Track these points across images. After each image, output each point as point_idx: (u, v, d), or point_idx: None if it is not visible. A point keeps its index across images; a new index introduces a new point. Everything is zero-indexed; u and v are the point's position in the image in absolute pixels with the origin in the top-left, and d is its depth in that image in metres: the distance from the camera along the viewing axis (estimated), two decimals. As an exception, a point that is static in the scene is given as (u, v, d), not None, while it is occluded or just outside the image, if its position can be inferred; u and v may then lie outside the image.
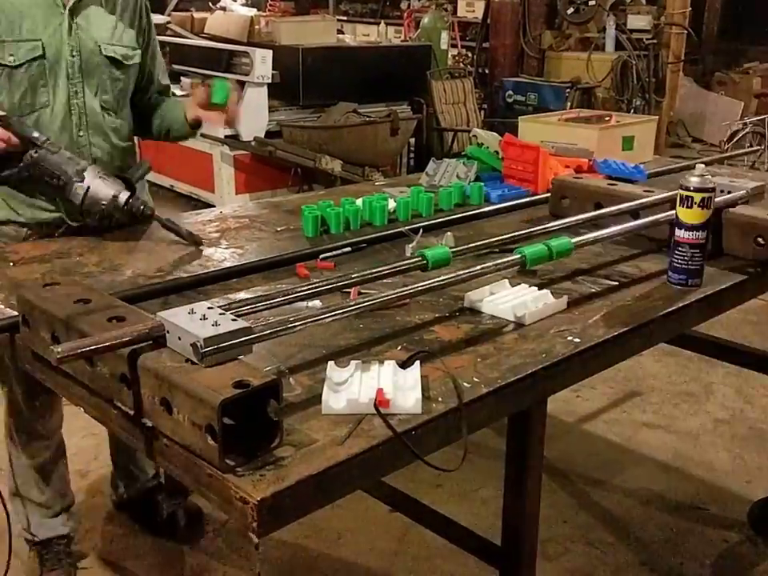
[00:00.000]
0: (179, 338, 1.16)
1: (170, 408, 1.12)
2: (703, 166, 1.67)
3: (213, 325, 1.15)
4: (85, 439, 3.00)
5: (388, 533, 2.55)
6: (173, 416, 1.11)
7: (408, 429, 1.17)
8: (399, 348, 1.41)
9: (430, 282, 1.48)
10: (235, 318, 1.19)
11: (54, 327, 1.31)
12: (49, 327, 1.32)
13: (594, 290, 1.69)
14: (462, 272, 1.51)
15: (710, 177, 1.66)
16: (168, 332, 1.17)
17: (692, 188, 1.64)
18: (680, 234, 1.67)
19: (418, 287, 1.46)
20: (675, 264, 1.69)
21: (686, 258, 1.67)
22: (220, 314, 1.19)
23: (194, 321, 1.16)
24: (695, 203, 1.64)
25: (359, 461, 1.11)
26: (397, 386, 1.24)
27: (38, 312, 1.34)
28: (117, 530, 2.56)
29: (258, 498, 1.01)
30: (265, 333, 1.22)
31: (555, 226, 1.82)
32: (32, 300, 1.36)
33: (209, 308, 1.21)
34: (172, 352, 1.17)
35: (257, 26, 6.31)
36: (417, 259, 1.54)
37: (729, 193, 1.94)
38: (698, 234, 1.65)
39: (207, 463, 1.08)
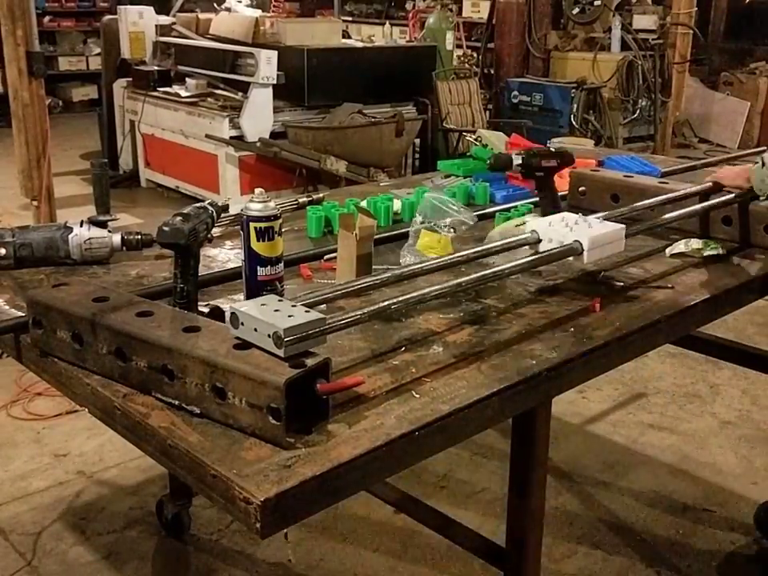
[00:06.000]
0: (255, 329, 1.18)
1: (222, 393, 1.15)
2: (261, 190, 1.46)
3: (289, 316, 1.19)
4: (89, 440, 3.01)
5: (392, 534, 2.55)
6: (226, 401, 1.14)
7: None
8: (403, 349, 1.41)
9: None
10: (308, 309, 1.23)
11: (75, 326, 1.31)
12: (69, 327, 1.32)
13: (599, 292, 1.68)
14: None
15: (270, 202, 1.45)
16: (243, 323, 1.20)
17: (263, 217, 1.43)
18: (264, 271, 1.45)
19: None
20: None
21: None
22: (292, 305, 1.23)
23: (270, 312, 1.20)
24: (276, 233, 1.45)
25: (363, 462, 1.11)
26: None
27: (55, 313, 1.34)
28: (121, 531, 2.56)
29: (262, 499, 1.01)
30: (338, 322, 1.25)
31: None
32: (47, 301, 1.36)
33: (279, 301, 1.25)
34: (208, 339, 1.21)
35: (262, 27, 6.30)
36: None
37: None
38: (280, 266, 1.48)
39: (267, 442, 1.12)
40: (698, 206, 1.96)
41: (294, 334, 1.15)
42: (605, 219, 1.75)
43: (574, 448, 3.07)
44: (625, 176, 2.21)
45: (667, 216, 1.91)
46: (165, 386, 1.22)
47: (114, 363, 1.28)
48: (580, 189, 2.20)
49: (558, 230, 1.62)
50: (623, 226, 1.69)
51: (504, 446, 1.61)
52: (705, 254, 1.89)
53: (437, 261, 1.55)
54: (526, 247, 1.66)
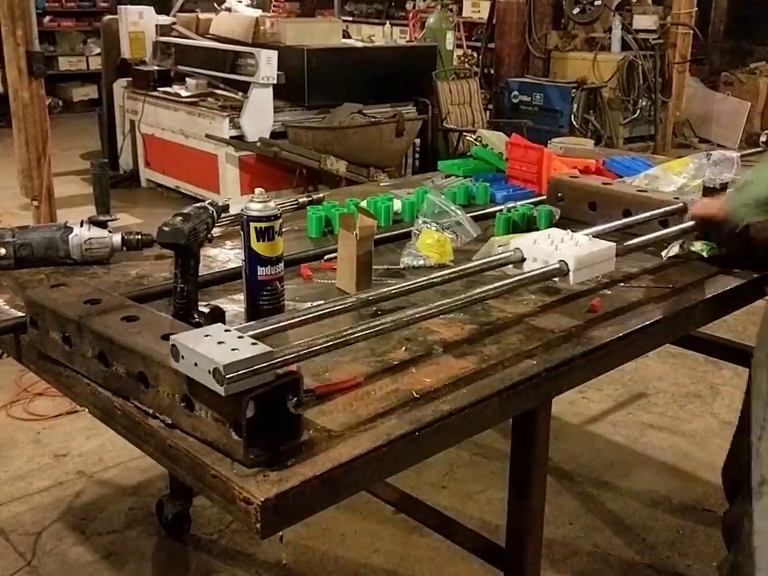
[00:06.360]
0: (195, 364, 1.09)
1: (191, 405, 1.12)
2: (261, 190, 1.49)
3: (233, 350, 1.09)
4: (89, 440, 3.01)
5: (392, 534, 2.55)
6: (194, 412, 1.12)
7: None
8: (403, 349, 1.41)
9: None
10: (255, 342, 1.12)
11: (65, 328, 1.31)
12: (60, 328, 1.32)
13: (599, 292, 1.68)
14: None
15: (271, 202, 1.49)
16: (183, 357, 1.11)
17: (263, 217, 1.46)
18: (264, 271, 1.47)
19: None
20: (266, 307, 1.48)
21: (275, 295, 1.49)
22: (238, 337, 1.13)
23: (212, 345, 1.10)
24: (276, 233, 1.47)
25: (363, 462, 1.11)
26: None
27: (48, 313, 1.34)
28: (121, 531, 2.56)
29: (262, 499, 1.01)
30: (287, 357, 1.14)
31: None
32: (41, 301, 1.36)
33: (226, 331, 1.15)
34: None
35: (262, 27, 6.30)
36: None
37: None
38: (280, 266, 1.49)
39: (231, 458, 1.08)
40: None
41: (237, 370, 1.04)
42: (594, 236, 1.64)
43: (574, 448, 3.06)
44: (603, 183, 2.18)
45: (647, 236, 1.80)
46: (141, 394, 1.20)
47: (98, 367, 1.27)
48: (558, 195, 2.17)
49: (543, 248, 1.54)
50: (613, 244, 1.60)
51: (504, 446, 1.61)
52: (705, 255, 1.89)
53: (413, 283, 1.46)
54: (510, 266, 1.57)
